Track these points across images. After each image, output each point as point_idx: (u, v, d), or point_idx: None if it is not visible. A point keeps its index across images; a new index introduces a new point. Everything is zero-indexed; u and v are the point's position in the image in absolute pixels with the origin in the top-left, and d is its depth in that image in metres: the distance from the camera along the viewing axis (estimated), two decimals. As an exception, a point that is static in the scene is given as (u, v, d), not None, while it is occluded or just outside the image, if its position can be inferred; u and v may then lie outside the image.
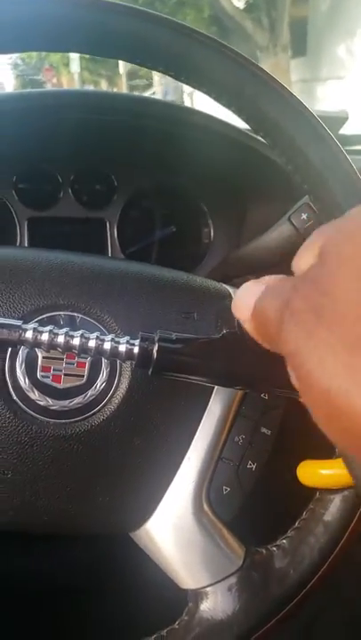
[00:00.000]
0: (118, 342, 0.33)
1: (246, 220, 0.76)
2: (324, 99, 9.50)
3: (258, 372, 0.34)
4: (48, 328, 0.33)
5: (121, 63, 21.48)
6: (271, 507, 0.47)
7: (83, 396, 0.38)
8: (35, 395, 0.38)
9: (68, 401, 0.38)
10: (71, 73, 15.04)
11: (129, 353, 0.33)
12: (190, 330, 0.40)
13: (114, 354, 0.33)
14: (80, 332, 0.33)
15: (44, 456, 0.38)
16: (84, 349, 0.33)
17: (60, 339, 0.33)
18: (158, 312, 0.41)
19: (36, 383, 0.38)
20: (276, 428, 0.42)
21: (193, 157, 0.71)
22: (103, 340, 0.33)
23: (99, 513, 0.40)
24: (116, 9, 0.36)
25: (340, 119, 1.15)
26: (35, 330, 0.33)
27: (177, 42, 0.37)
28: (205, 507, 0.40)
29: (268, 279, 0.26)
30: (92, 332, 0.34)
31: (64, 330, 0.33)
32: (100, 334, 0.34)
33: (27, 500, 0.39)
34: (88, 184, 0.75)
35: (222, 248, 0.79)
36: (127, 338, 0.34)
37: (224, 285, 0.45)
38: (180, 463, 0.40)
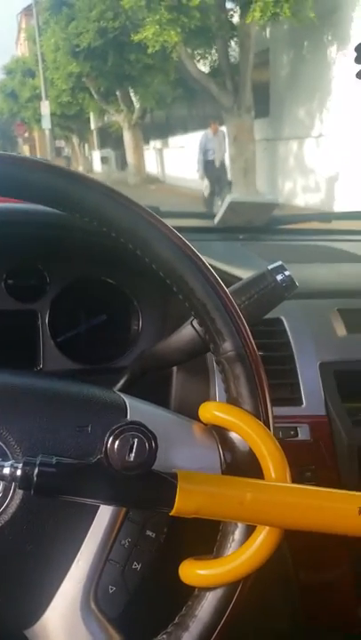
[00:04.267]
0: (2, 466, 0.38)
1: (171, 312, 0.83)
2: (286, 157, 9.94)
3: (127, 494, 0.39)
4: None
5: (92, 119, 21.65)
6: (156, 603, 0.51)
7: (-21, 506, 0.43)
8: None
9: (-35, 511, 0.42)
10: (43, 129, 15.46)
11: (13, 475, 0.38)
12: (83, 444, 0.45)
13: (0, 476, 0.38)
14: None
15: None
16: (-29, 473, 0.38)
17: None
18: (55, 427, 0.45)
19: None
20: (161, 531, 0.46)
21: (122, 255, 0.78)
22: (-11, 464, 0.38)
23: None
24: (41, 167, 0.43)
25: (272, 205, 1.26)
26: None
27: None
28: (93, 605, 0.44)
29: None
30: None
31: None
32: (-13, 459, 0.38)
33: None
34: (21, 280, 0.81)
35: (151, 336, 0.84)
36: (12, 462, 0.39)
37: (121, 396, 0.50)
38: (70, 566, 0.44)
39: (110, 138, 18.61)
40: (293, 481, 0.43)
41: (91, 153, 24.04)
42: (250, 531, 0.43)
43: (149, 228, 0.46)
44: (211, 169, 8.91)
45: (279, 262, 0.61)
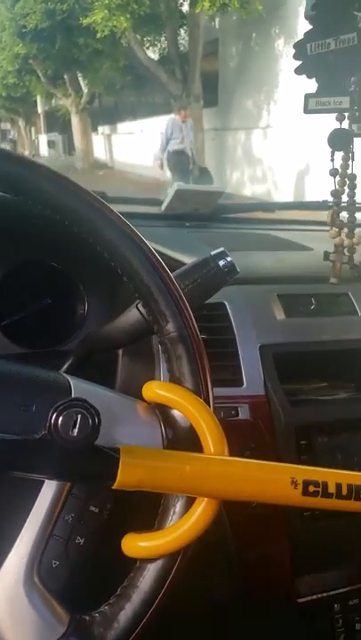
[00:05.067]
0: None
1: (117, 297, 0.84)
2: (234, 148, 10.02)
3: (70, 469, 0.40)
4: None
5: (39, 102, 21.19)
6: (99, 576, 0.52)
7: None
8: None
9: None
10: (-14, 110, 15.02)
11: None
12: (27, 423, 0.45)
13: None
14: None
15: None
16: None
17: None
18: None
19: None
20: (105, 506, 0.48)
21: (67, 239, 0.78)
22: None
23: None
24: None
25: (218, 193, 1.28)
26: None
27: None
28: (36, 579, 0.44)
29: None
30: None
31: None
32: None
33: None
34: None
35: (96, 321, 0.85)
36: None
37: (65, 376, 0.51)
38: (14, 542, 0.44)
39: (57, 122, 18.21)
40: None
41: (37, 137, 23.46)
42: (189, 503, 0.45)
43: (94, 211, 0.47)
44: (177, 159, 8.15)
45: (221, 248, 0.63)
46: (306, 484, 0.44)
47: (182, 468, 0.42)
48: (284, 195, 8.44)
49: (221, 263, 0.62)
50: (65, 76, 13.29)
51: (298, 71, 0.64)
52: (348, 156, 0.73)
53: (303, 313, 0.84)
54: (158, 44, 10.21)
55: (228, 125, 10.13)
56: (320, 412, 0.78)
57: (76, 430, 0.38)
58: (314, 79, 0.63)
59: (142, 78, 10.93)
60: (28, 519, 0.45)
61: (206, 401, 0.47)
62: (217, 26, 10.08)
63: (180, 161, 8.09)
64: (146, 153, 12.80)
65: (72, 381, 0.50)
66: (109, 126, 16.81)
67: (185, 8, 9.22)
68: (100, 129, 17.41)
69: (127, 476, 0.41)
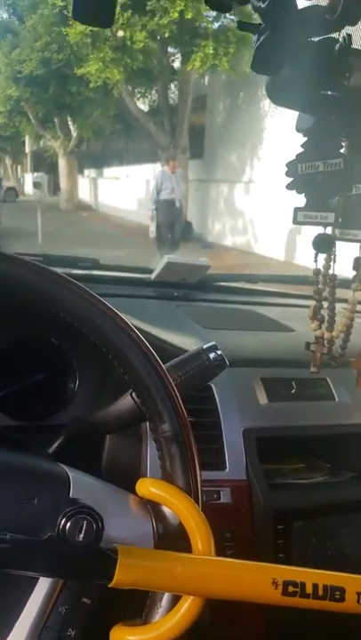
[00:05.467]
0: None
1: (108, 376, 0.87)
2: (216, 199, 10.29)
3: (71, 569, 0.43)
4: None
5: (27, 142, 21.39)
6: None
7: None
8: None
9: None
10: (-26, 148, 15.27)
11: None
12: (30, 518, 0.48)
13: None
14: None
15: None
16: None
17: None
18: (3, 498, 0.49)
19: None
20: (96, 597, 0.50)
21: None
22: None
23: None
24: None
25: (204, 267, 1.34)
26: None
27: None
28: (28, 673, 0.47)
29: None
30: None
31: None
32: None
33: None
34: None
35: (87, 396, 0.88)
36: None
37: (64, 468, 0.54)
38: (8, 634, 0.47)
39: (44, 162, 18.53)
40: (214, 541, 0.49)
41: (23, 175, 23.73)
42: (176, 598, 0.48)
43: (106, 319, 0.52)
44: (167, 209, 8.21)
45: (213, 342, 0.68)
46: (286, 584, 0.47)
47: (174, 568, 0.45)
48: (263, 247, 8.66)
49: (212, 356, 0.66)
50: (55, 119, 13.61)
51: (289, 187, 0.70)
52: (331, 257, 0.79)
53: (285, 397, 0.89)
54: (149, 97, 10.62)
55: (213, 177, 10.43)
56: (297, 498, 0.82)
57: (82, 536, 0.42)
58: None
59: (131, 127, 11.27)
60: (23, 613, 0.47)
61: (196, 500, 0.51)
62: (206, 83, 10.52)
63: (170, 211, 8.22)
64: (130, 198, 13.04)
65: (70, 474, 0.53)
66: (96, 170, 17.15)
67: (176, 64, 9.63)
68: (87, 172, 17.74)
69: (124, 576, 0.44)
